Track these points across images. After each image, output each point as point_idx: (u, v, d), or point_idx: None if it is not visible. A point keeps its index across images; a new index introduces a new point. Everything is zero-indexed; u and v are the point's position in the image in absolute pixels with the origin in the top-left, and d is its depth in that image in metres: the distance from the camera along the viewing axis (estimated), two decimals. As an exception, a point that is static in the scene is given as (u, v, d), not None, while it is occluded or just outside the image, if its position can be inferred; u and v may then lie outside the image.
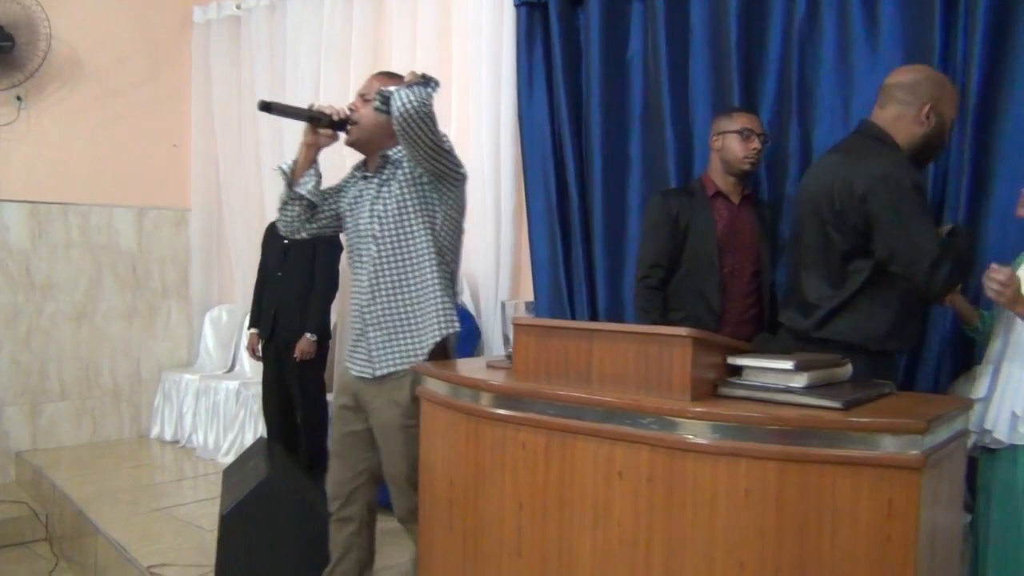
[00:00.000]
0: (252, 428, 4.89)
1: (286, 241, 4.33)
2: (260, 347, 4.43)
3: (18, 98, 4.97)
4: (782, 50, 3.28)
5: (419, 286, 2.37)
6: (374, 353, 2.40)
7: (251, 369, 5.44)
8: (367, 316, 2.41)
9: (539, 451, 1.78)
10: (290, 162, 2.54)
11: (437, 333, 2.36)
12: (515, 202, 4.21)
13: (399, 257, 2.37)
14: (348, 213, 2.52)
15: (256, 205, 5.45)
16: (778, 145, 3.29)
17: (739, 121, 2.82)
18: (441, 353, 2.40)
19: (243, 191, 5.54)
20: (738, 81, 3.32)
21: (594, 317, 3.86)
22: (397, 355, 2.38)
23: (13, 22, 4.78)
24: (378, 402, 2.40)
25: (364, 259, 2.41)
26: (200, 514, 3.94)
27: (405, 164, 2.36)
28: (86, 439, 5.37)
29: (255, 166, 5.41)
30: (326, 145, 2.50)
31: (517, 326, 1.89)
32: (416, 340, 2.37)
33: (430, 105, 2.19)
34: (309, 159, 2.49)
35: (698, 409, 1.60)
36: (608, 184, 3.78)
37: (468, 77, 4.26)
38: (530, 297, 4.23)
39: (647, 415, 1.64)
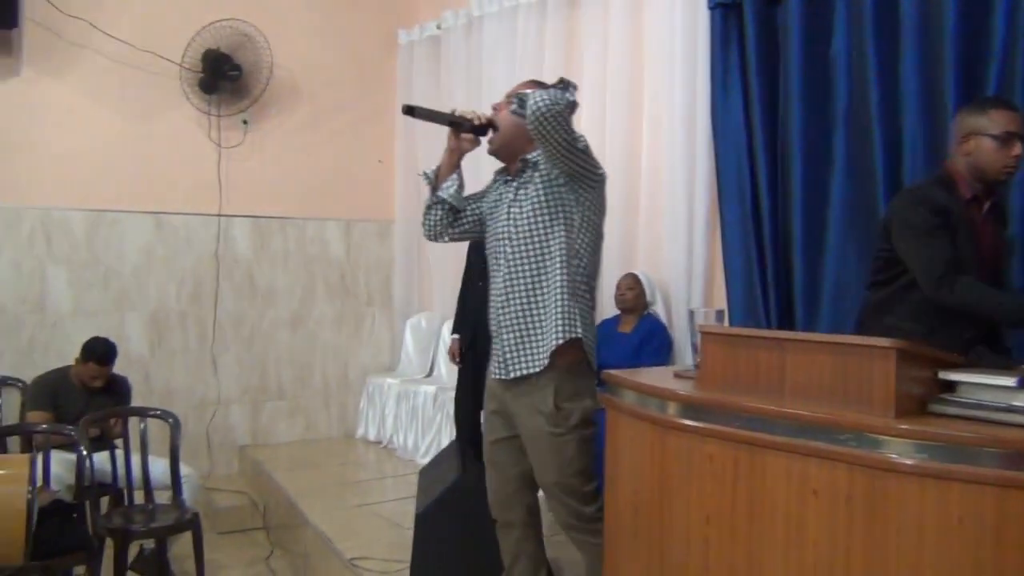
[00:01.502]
0: (448, 431, 5.05)
1: (488, 250, 4.47)
2: (460, 353, 4.58)
3: (244, 122, 5.43)
4: (1006, 40, 3.00)
5: (548, 288, 2.34)
6: (507, 356, 2.40)
7: (448, 374, 5.63)
8: (501, 319, 2.42)
9: (727, 464, 1.72)
10: (434, 167, 2.60)
11: (557, 338, 2.30)
12: (708, 209, 4.10)
13: (531, 259, 2.35)
14: (488, 217, 2.54)
15: (454, 216, 5.65)
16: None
17: (997, 121, 2.28)
18: (577, 360, 2.36)
19: (442, 203, 5.75)
20: (954, 77, 3.08)
21: (790, 329, 3.70)
22: (527, 358, 2.36)
23: (240, 52, 5.23)
24: (521, 410, 2.39)
25: (500, 261, 2.42)
26: (399, 511, 4.12)
27: (542, 165, 2.35)
28: (299, 436, 5.77)
29: (453, 179, 5.60)
30: (468, 150, 2.54)
31: (705, 334, 1.83)
32: (542, 344, 2.34)
33: (562, 104, 2.17)
34: (452, 164, 2.54)
35: (903, 427, 1.48)
36: (809, 189, 3.61)
37: (661, 83, 4.20)
38: (724, 307, 4.12)
39: (845, 431, 1.53)
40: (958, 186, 2.33)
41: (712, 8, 3.94)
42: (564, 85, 2.25)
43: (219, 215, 5.39)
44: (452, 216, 2.60)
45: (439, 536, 2.83)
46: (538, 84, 2.50)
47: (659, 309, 4.25)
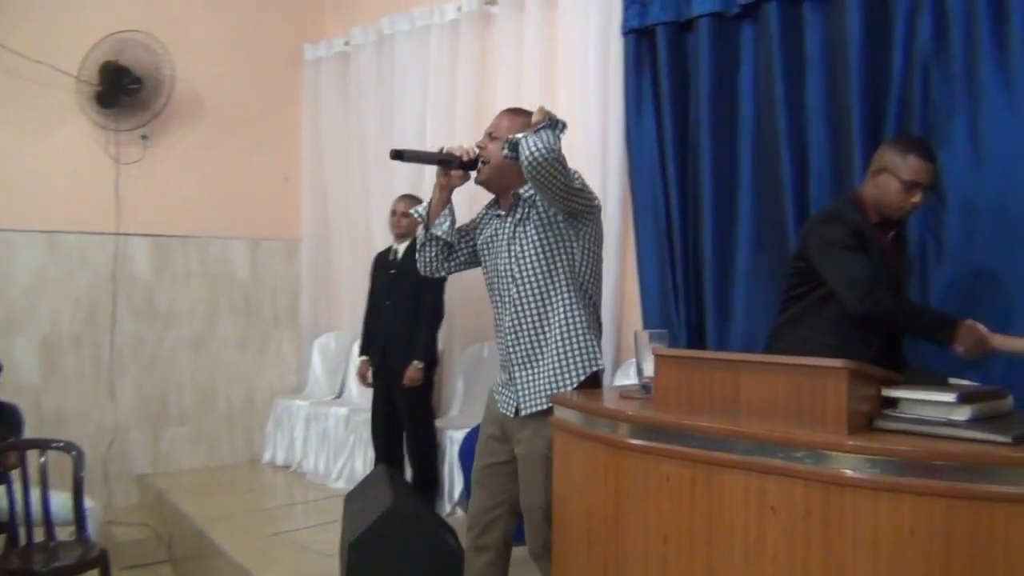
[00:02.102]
0: (362, 454, 4.98)
1: (393, 271, 4.44)
2: (370, 374, 4.53)
3: (143, 137, 5.22)
4: (904, 69, 3.20)
5: (562, 325, 2.37)
6: (521, 393, 2.41)
7: (359, 395, 5.55)
8: (513, 356, 2.44)
9: (684, 483, 1.76)
10: (425, 205, 2.59)
11: (582, 371, 2.35)
12: (620, 229, 4.20)
13: (540, 297, 2.38)
14: (485, 252, 2.55)
15: (363, 235, 5.59)
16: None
17: (911, 168, 2.41)
18: (592, 389, 2.39)
19: (350, 222, 5.69)
20: (858, 105, 3.26)
21: (702, 345, 3.82)
22: (544, 395, 2.37)
23: (140, 65, 5.03)
24: (524, 434, 2.40)
25: (505, 300, 2.43)
26: (318, 539, 4.02)
27: (538, 203, 2.37)
28: (202, 463, 5.55)
29: (363, 200, 5.55)
30: (458, 186, 2.53)
31: (659, 357, 1.88)
32: (562, 379, 2.36)
33: (558, 150, 2.18)
34: (443, 201, 2.52)
35: (857, 443, 1.56)
36: (718, 209, 3.75)
37: (575, 107, 4.27)
38: (638, 326, 4.22)
39: (800, 448, 1.60)
40: (867, 211, 2.49)
41: (626, 34, 4.05)
42: (553, 124, 2.24)
43: (116, 234, 5.16)
44: (447, 251, 2.59)
45: (372, 564, 2.78)
46: (517, 113, 2.49)
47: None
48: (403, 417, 4.40)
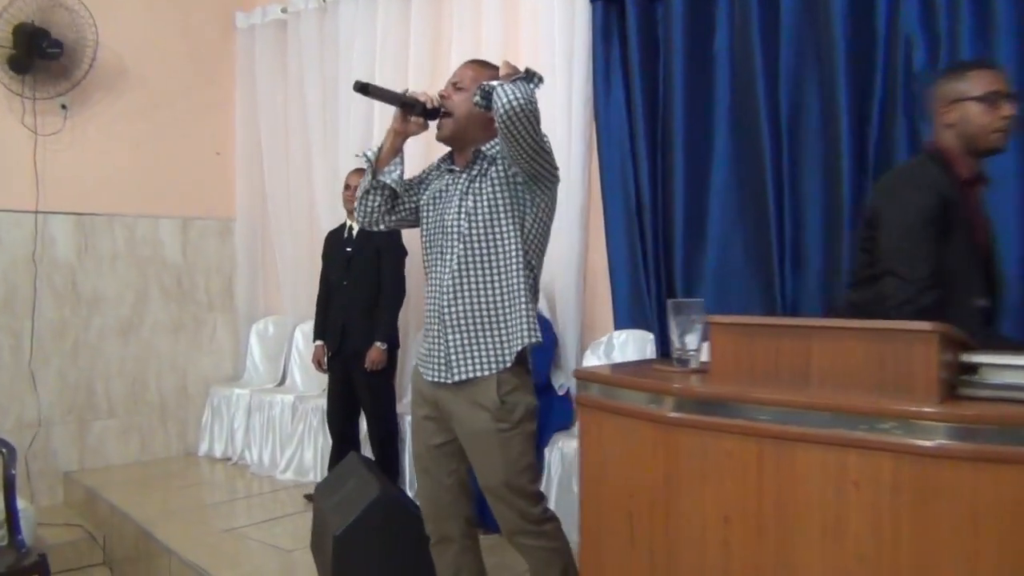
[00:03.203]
0: (312, 443, 4.72)
1: (349, 250, 4.20)
2: (326, 359, 4.28)
3: (63, 107, 4.80)
4: (888, 33, 3.14)
5: (506, 289, 2.21)
6: (453, 357, 2.23)
7: (303, 382, 5.28)
8: (447, 318, 2.24)
9: (749, 460, 1.63)
10: (375, 149, 2.39)
11: (522, 340, 2.20)
12: (584, 202, 4.06)
13: (487, 257, 2.21)
14: (430, 208, 2.36)
15: (305, 214, 5.31)
16: (887, 138, 3.17)
17: (979, 82, 2.07)
18: (520, 362, 2.26)
19: (290, 200, 5.39)
20: (844, 72, 3.20)
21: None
22: (478, 360, 2.21)
23: (60, 27, 4.61)
24: (460, 409, 2.23)
25: (447, 257, 2.25)
26: (271, 534, 3.77)
27: (499, 161, 2.21)
28: (134, 457, 5.18)
29: (304, 174, 5.26)
30: (415, 133, 2.33)
31: (716, 325, 1.74)
32: (499, 346, 2.21)
33: (535, 103, 2.03)
34: (396, 147, 2.33)
35: (952, 411, 1.45)
36: (690, 181, 3.66)
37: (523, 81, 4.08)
38: (604, 302, 4.09)
39: (887, 419, 1.48)
40: (953, 165, 2.08)
41: (593, 1, 3.90)
42: (529, 77, 2.08)
43: (36, 212, 4.73)
44: (392, 202, 2.39)
45: (360, 557, 2.58)
46: (482, 65, 2.33)
47: (542, 307, 4.15)
48: (364, 403, 4.17)
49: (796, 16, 3.37)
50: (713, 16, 3.65)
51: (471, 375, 2.20)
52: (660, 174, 3.75)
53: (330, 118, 5.01)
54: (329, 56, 5.02)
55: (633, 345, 3.88)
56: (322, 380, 5.09)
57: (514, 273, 2.19)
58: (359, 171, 4.25)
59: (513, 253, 2.19)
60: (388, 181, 2.33)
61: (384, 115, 4.62)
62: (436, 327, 2.27)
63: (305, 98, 5.17)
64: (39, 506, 4.63)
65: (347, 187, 4.20)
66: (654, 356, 3.73)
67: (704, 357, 1.92)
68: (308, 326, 5.30)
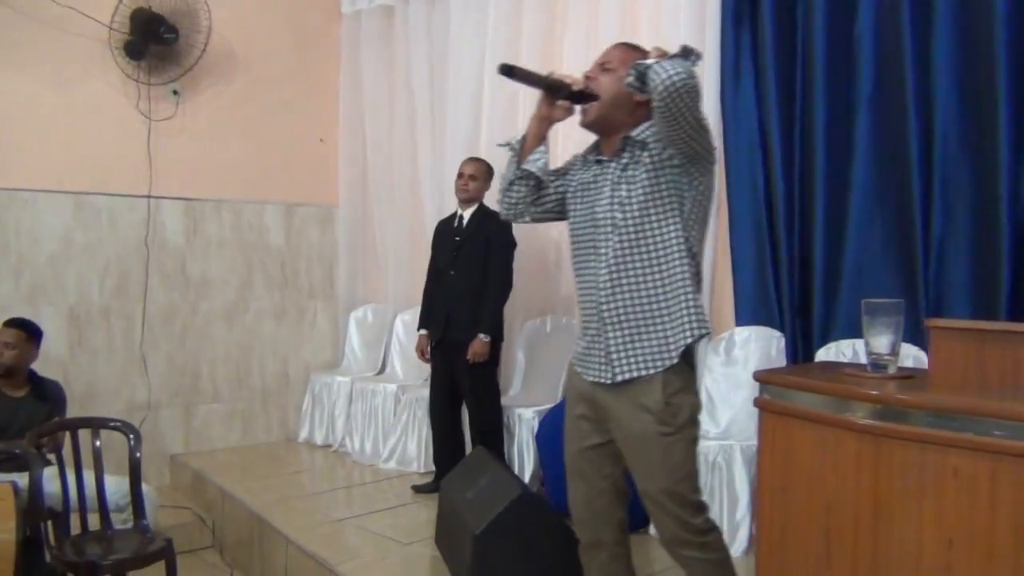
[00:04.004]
0: (416, 433, 4.67)
1: (458, 239, 4.13)
2: (429, 349, 4.22)
3: (175, 92, 4.83)
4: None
5: (667, 281, 2.06)
6: (613, 356, 2.09)
7: (404, 371, 5.25)
8: (605, 315, 2.11)
9: (980, 479, 1.49)
10: (519, 137, 2.28)
11: (689, 334, 2.04)
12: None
13: (645, 248, 2.07)
14: (577, 200, 2.23)
15: (408, 203, 5.26)
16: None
17: None
18: (686, 360, 2.10)
19: (393, 188, 5.34)
20: (1004, 58, 2.98)
21: (805, 324, 3.56)
22: (641, 358, 2.07)
23: (176, 14, 4.63)
24: (622, 410, 2.10)
25: (601, 251, 2.11)
26: (388, 525, 3.71)
27: (652, 145, 2.06)
28: (236, 442, 5.21)
29: (409, 163, 5.21)
30: (560, 119, 2.21)
31: (937, 329, 1.60)
32: (663, 342, 2.05)
33: (696, 79, 1.90)
34: (541, 134, 2.22)
35: None
36: (830, 175, 3.48)
37: None
38: (721, 297, 3.94)
39: None
40: None
41: (724, -18, 3.74)
42: (686, 54, 1.95)
43: (148, 196, 4.77)
44: (536, 192, 2.28)
45: (501, 557, 2.50)
46: (632, 49, 2.20)
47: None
48: (465, 394, 4.10)
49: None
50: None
51: (634, 375, 2.07)
52: (797, 166, 3.57)
53: (437, 107, 4.94)
54: (438, 44, 4.93)
55: (756, 343, 3.74)
56: (424, 370, 5.05)
57: (676, 262, 2.06)
58: (472, 160, 4.18)
59: (673, 241, 2.06)
60: (534, 170, 2.21)
61: (493, 105, 4.54)
62: (594, 324, 2.15)
63: (411, 86, 5.11)
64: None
65: (460, 176, 4.12)
66: (782, 357, 3.59)
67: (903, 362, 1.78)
68: (409, 315, 5.29)
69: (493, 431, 4.12)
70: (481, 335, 3.96)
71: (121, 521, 3.38)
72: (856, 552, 1.65)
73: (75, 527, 3.19)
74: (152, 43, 4.58)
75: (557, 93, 2.14)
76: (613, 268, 2.09)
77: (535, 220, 2.35)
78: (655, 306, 2.07)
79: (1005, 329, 1.54)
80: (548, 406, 4.23)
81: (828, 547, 1.70)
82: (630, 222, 2.07)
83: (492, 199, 4.20)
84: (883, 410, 1.61)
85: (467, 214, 4.15)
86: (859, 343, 3.39)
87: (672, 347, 2.05)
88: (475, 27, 4.70)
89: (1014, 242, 2.98)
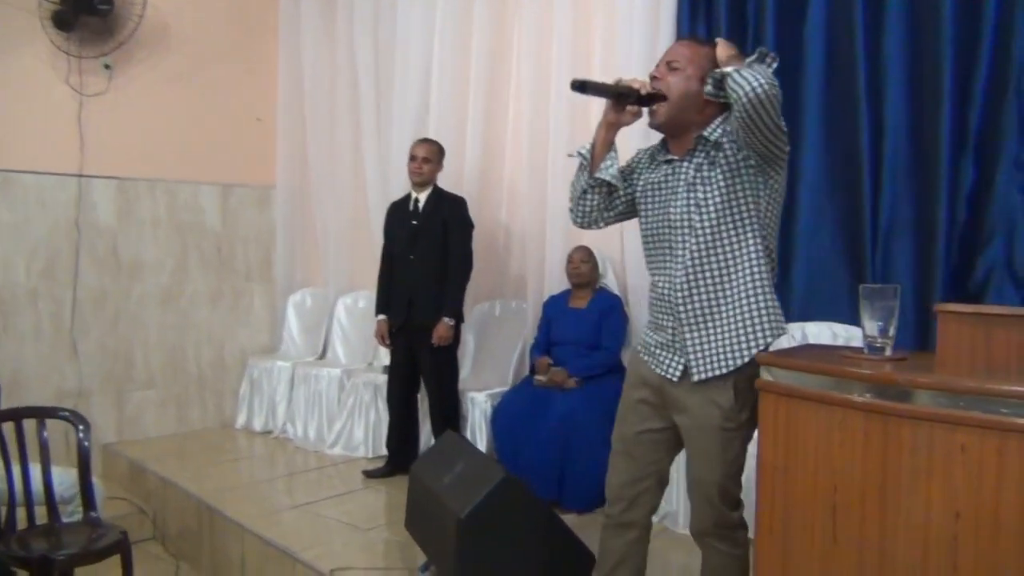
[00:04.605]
0: (363, 418, 4.61)
1: (415, 223, 4.09)
2: (388, 334, 4.17)
3: (107, 66, 4.61)
4: (999, 15, 3.08)
5: (744, 282, 2.08)
6: (692, 357, 2.11)
7: (346, 356, 5.18)
8: (682, 315, 2.12)
9: (987, 455, 1.57)
10: (588, 145, 2.25)
11: (766, 336, 2.07)
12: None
13: (723, 250, 2.08)
14: (648, 201, 2.22)
15: (350, 184, 5.17)
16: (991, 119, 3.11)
17: None
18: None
19: (334, 169, 5.24)
20: (951, 54, 3.13)
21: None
22: (719, 358, 2.08)
23: (110, -18, 4.41)
24: (692, 401, 2.12)
25: (677, 252, 2.13)
26: (347, 511, 3.67)
27: (727, 146, 2.07)
28: (171, 429, 5.05)
29: (352, 143, 5.12)
30: (629, 123, 2.19)
31: (946, 313, 1.67)
32: (740, 343, 2.07)
33: (778, 86, 1.90)
34: (609, 140, 2.20)
35: None
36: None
37: (615, 62, 3.97)
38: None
39: None
40: None
41: (680, -22, 3.79)
42: (762, 57, 1.96)
43: (79, 175, 4.54)
44: (608, 199, 2.27)
45: (487, 540, 2.50)
46: (698, 43, 2.18)
47: (610, 282, 4.08)
48: (427, 378, 4.08)
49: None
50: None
51: (711, 374, 2.08)
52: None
53: (383, 86, 4.87)
54: (385, 22, 4.85)
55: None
56: (367, 354, 5.03)
57: (754, 262, 2.07)
58: (424, 142, 4.13)
59: (751, 242, 2.07)
60: (607, 177, 2.19)
61: (441, 84, 4.50)
62: (670, 322, 2.15)
63: (355, 65, 5.01)
64: (80, 479, 4.50)
65: (413, 158, 4.07)
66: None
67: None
68: (350, 299, 5.22)
69: (453, 415, 4.12)
70: (446, 318, 3.95)
71: (67, 514, 3.24)
72: (864, 527, 1.72)
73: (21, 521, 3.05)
74: (83, 14, 4.36)
75: (626, 99, 2.12)
76: (691, 270, 2.10)
77: (607, 224, 2.34)
78: (733, 307, 2.08)
79: (1011, 313, 1.63)
80: (499, 390, 4.25)
81: (835, 524, 1.77)
82: (707, 225, 2.07)
83: (446, 180, 4.18)
84: (893, 390, 1.68)
85: (422, 197, 4.11)
86: (809, 326, 3.58)
87: (749, 347, 2.06)
88: (425, 4, 4.64)
89: (950, 229, 3.15)
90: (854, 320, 3.45)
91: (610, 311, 3.93)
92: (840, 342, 3.44)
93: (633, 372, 2.31)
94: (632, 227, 3.91)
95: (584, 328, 3.91)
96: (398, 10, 4.76)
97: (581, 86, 2.07)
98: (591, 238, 4.12)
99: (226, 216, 5.24)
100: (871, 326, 1.90)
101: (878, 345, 1.90)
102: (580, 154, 2.26)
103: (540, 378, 3.80)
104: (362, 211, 5.05)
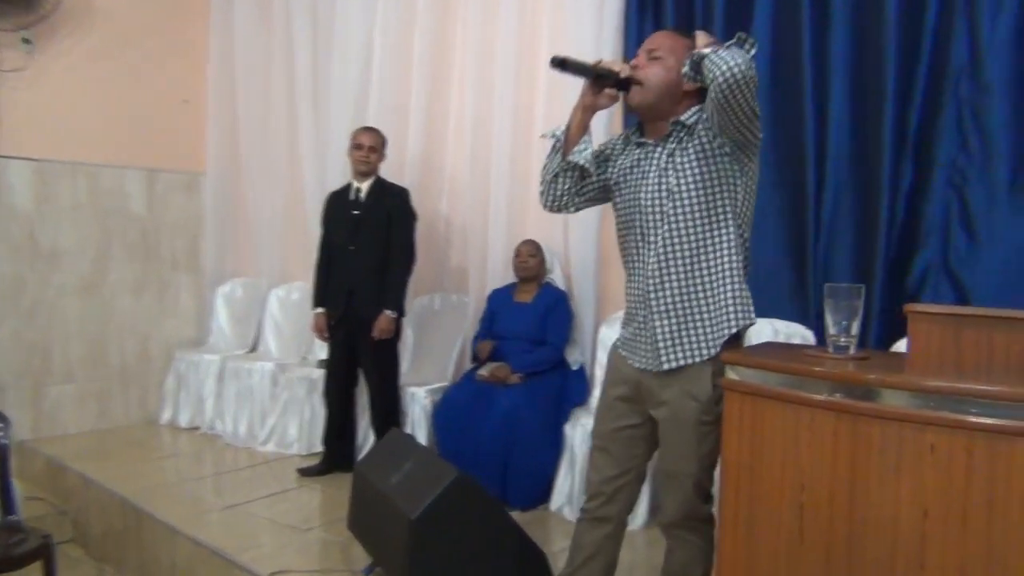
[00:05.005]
0: (297, 414, 4.48)
1: (357, 212, 3.98)
2: (326, 328, 4.06)
3: (26, 41, 4.36)
4: (937, 30, 3.16)
5: (717, 270, 2.07)
6: (660, 344, 2.09)
7: (278, 350, 5.03)
8: (653, 303, 2.10)
9: (956, 453, 1.59)
10: (563, 127, 2.21)
11: (733, 323, 2.05)
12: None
13: (695, 237, 2.06)
14: (622, 184, 2.20)
15: (283, 172, 5.03)
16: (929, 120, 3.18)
17: None
18: (735, 347, 2.12)
19: (268, 156, 5.08)
20: (895, 57, 3.20)
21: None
22: (688, 347, 2.07)
23: (29, -49, 4.17)
24: (670, 395, 2.10)
25: (650, 239, 2.10)
26: (282, 511, 3.56)
27: (702, 132, 2.06)
28: (91, 426, 4.83)
29: (287, 128, 4.96)
30: (605, 107, 2.17)
31: (915, 314, 1.68)
32: (710, 330, 2.06)
33: (754, 69, 1.89)
34: (585, 123, 2.16)
35: None
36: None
37: (562, 47, 3.91)
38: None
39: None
40: None
41: (628, -25, 3.78)
42: (741, 42, 1.93)
43: (-7, 155, 4.29)
44: (580, 183, 2.23)
45: (440, 540, 2.44)
46: (679, 34, 2.17)
47: (556, 277, 4.05)
48: (368, 373, 3.99)
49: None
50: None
51: (681, 363, 2.07)
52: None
53: (321, 68, 4.73)
54: (324, 7, 4.71)
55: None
56: (301, 347, 4.91)
57: (726, 251, 2.05)
58: (367, 130, 4.03)
59: (725, 230, 2.06)
60: (580, 161, 2.15)
61: (383, 69, 4.40)
62: (641, 312, 2.14)
63: (292, 46, 4.86)
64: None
65: (359, 146, 3.96)
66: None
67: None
68: (284, 290, 5.08)
69: (393, 410, 4.04)
70: (388, 311, 3.86)
71: (-17, 518, 3.05)
72: (832, 525, 1.73)
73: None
74: (1, -17, 4.11)
75: (604, 81, 2.08)
76: (663, 257, 2.07)
77: (578, 209, 2.30)
78: (704, 295, 2.06)
79: (980, 314, 1.65)
80: (439, 385, 4.19)
81: (802, 522, 1.77)
82: (681, 212, 2.05)
83: (386, 170, 4.09)
84: (863, 390, 1.69)
85: (364, 187, 4.00)
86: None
87: (718, 335, 2.05)
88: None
89: (889, 228, 3.22)
90: (796, 317, 3.52)
91: (556, 306, 3.90)
92: (781, 339, 3.48)
93: (611, 368, 2.29)
94: (576, 222, 3.96)
95: (529, 323, 3.88)
96: (337, -4, 4.63)
97: (561, 63, 2.02)
98: (535, 232, 4.10)
99: (152, 202, 5.03)
100: (835, 325, 1.91)
101: (842, 344, 1.91)
102: (555, 135, 2.22)
103: (483, 372, 3.75)
104: (297, 199, 4.91)
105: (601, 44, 3.84)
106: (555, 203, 2.27)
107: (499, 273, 4.16)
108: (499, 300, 4.04)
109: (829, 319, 1.93)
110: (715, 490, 2.12)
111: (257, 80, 5.08)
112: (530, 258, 3.91)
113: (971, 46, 3.10)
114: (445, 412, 3.82)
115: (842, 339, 1.91)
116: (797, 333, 3.47)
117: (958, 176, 3.16)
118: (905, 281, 3.24)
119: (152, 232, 5.04)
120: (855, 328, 1.90)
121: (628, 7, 3.80)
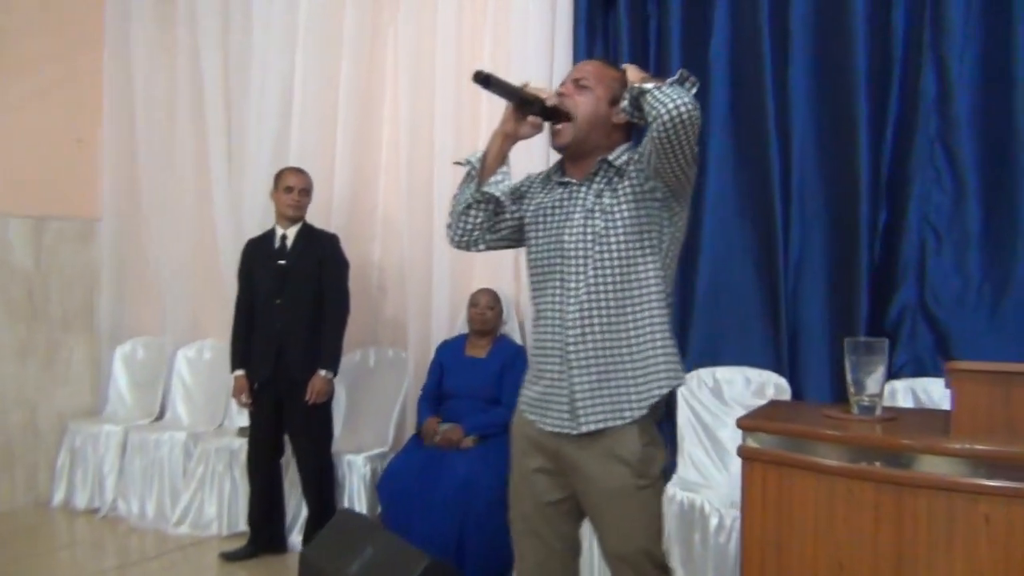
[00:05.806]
0: (215, 490, 4.24)
1: (283, 263, 3.83)
2: (248, 392, 3.86)
3: None
4: (905, 59, 3.26)
5: (642, 323, 2.00)
6: (579, 403, 1.99)
7: (189, 417, 4.78)
8: (572, 356, 2.00)
9: (1014, 525, 1.56)
10: (478, 155, 2.15)
11: (664, 384, 1.99)
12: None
13: (621, 286, 1.99)
14: (539, 226, 2.12)
15: (191, 217, 4.81)
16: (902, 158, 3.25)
17: None
18: (661, 410, 2.06)
19: (173, 200, 4.86)
20: (864, 80, 3.26)
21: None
22: (610, 406, 1.98)
23: None
24: (591, 463, 2.00)
25: (570, 285, 2.02)
26: (208, 606, 3.34)
27: (633, 174, 2.01)
28: (-32, 511, 4.47)
29: (195, 169, 4.77)
30: (527, 136, 2.10)
31: (957, 371, 1.66)
32: (635, 390, 1.98)
33: (699, 111, 1.84)
34: (504, 152, 2.10)
35: None
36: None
37: (508, 67, 3.90)
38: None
39: None
40: None
41: (580, -3, 3.79)
42: (682, 80, 1.89)
43: None
44: (493, 219, 2.15)
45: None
46: (607, 64, 2.13)
47: (512, 329, 3.96)
48: (298, 440, 3.81)
49: (808, 22, 3.42)
50: (712, 12, 3.62)
51: (601, 425, 1.98)
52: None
53: (236, 104, 4.56)
54: (237, 25, 4.56)
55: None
56: (216, 414, 4.70)
57: (654, 302, 2.00)
58: (298, 171, 3.90)
59: (652, 280, 2.00)
60: (496, 192, 2.08)
61: (305, 101, 4.29)
62: (556, 366, 2.03)
63: (200, 77, 4.67)
64: None
65: (289, 189, 3.80)
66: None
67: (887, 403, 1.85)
68: (194, 349, 4.85)
69: (328, 482, 3.87)
70: (322, 371, 3.70)
71: None
72: (874, 608, 1.67)
73: None
74: None
75: (529, 108, 2.02)
76: (586, 306, 1.99)
77: (489, 248, 2.21)
78: (629, 349, 1.98)
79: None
80: (379, 451, 4.05)
81: (840, 604, 1.71)
82: (606, 258, 1.98)
83: (311, 214, 3.95)
84: (906, 458, 1.64)
85: (291, 233, 3.85)
86: (720, 371, 3.59)
87: (645, 396, 1.97)
88: (284, 21, 4.40)
89: (871, 264, 3.27)
90: (769, 365, 3.51)
91: (512, 363, 3.77)
92: (754, 388, 3.48)
93: (520, 436, 2.17)
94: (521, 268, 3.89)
95: (482, 380, 3.76)
96: (253, 14, 4.48)
97: (485, 80, 1.94)
98: (484, 276, 4.02)
99: (39, 254, 4.73)
100: (857, 383, 1.88)
101: (867, 404, 1.88)
102: (469, 162, 2.15)
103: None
104: (208, 248, 4.71)
105: (552, 75, 3.80)
106: (464, 238, 2.19)
107: (444, 323, 4.06)
108: (448, 353, 3.91)
109: (851, 376, 1.89)
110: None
111: (160, 116, 4.86)
112: (488, 310, 3.80)
113: (938, 80, 3.19)
114: (391, 482, 3.65)
115: (867, 399, 1.88)
116: (771, 382, 3.46)
117: (933, 212, 3.23)
118: (883, 322, 3.28)
119: (39, 288, 4.73)
120: (880, 387, 1.87)
121: (577, 35, 3.80)
